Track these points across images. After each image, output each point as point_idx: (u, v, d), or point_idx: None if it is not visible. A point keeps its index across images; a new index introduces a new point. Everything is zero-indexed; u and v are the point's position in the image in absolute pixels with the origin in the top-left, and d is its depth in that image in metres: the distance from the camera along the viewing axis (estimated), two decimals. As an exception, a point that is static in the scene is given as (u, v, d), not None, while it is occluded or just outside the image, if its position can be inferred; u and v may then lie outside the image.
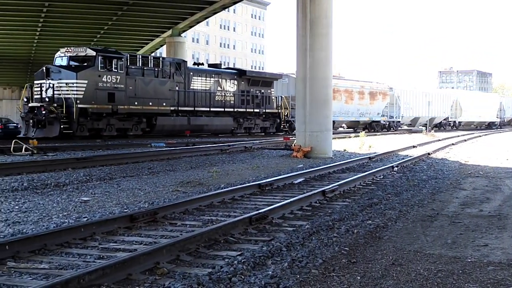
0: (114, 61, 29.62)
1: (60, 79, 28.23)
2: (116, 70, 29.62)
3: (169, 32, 49.04)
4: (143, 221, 8.20)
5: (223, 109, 37.39)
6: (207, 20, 53.73)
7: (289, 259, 6.19)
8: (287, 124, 43.06)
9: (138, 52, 54.23)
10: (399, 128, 55.99)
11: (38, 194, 11.26)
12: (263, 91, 41.07)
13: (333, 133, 25.26)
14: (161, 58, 33.71)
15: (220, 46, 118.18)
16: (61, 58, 29.48)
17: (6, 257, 6.07)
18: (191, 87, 35.09)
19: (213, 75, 37.36)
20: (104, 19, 45.01)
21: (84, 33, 49.78)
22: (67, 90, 27.82)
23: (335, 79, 55.16)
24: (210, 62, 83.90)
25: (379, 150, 24.28)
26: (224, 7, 45.24)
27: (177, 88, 33.75)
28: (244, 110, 39.24)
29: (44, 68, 28.88)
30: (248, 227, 7.93)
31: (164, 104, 32.63)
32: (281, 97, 42.79)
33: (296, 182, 13.46)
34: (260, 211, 8.62)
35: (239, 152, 23.87)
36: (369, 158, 20.35)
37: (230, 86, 38.42)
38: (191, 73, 35.39)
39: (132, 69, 30.70)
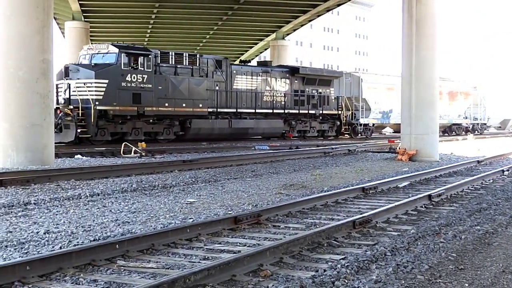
0: (140, 59, 27.30)
1: (78, 79, 26.08)
2: (142, 69, 27.29)
3: (273, 35, 49.36)
4: (247, 223, 8.28)
5: (271, 111, 34.38)
6: (311, 23, 53.66)
7: (394, 264, 6.07)
8: (351, 127, 39.92)
9: (242, 57, 54.93)
10: (484, 131, 51.86)
11: (146, 195, 11.61)
12: (320, 90, 37.71)
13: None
14: (198, 56, 30.90)
15: (324, 49, 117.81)
16: (84, 56, 27.50)
17: (116, 256, 6.28)
18: (234, 87, 32.32)
19: (260, 74, 34.31)
20: (210, 24, 45.89)
21: (190, 38, 50.94)
22: (85, 91, 25.60)
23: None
24: (314, 65, 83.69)
25: (488, 153, 23.43)
26: (328, 10, 45.05)
27: (217, 88, 31.09)
28: (297, 111, 35.90)
29: (63, 67, 27.05)
30: (351, 230, 7.85)
31: (201, 105, 29.95)
32: (342, 97, 39.40)
33: (401, 185, 13.20)
34: (364, 214, 8.52)
35: (342, 155, 23.70)
36: (478, 161, 19.69)
37: (281, 85, 35.33)
38: (234, 72, 32.64)
39: (163, 67, 28.43)
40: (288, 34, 50.74)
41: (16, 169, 15.31)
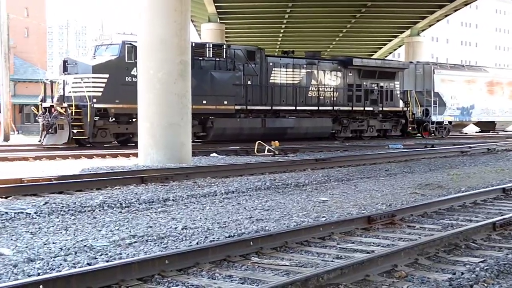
0: None
1: (76, 74, 23.79)
2: None
3: (408, 32, 48.32)
4: (381, 223, 8.15)
5: (317, 108, 30.39)
6: (447, 18, 52.11)
7: (538, 269, 5.75)
8: (422, 126, 35.89)
9: (374, 55, 54.12)
10: None
11: (279, 194, 11.71)
12: (382, 84, 33.22)
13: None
14: (224, 46, 28.02)
15: (461, 44, 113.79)
16: (91, 49, 25.30)
17: (251, 253, 6.38)
18: (270, 81, 28.81)
19: (305, 66, 30.35)
20: (342, 23, 45.67)
21: (322, 38, 50.92)
22: (81, 87, 23.29)
23: (496, 69, 45.78)
24: (451, 61, 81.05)
25: None
26: (467, 4, 43.44)
27: (249, 82, 27.82)
28: (350, 108, 31.76)
29: (61, 61, 25.07)
30: (491, 233, 7.51)
31: (226, 102, 26.67)
32: (410, 91, 35.16)
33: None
34: (505, 216, 8.13)
35: (481, 154, 22.77)
36: None
37: (330, 79, 31.30)
38: (271, 64, 29.00)
39: None
40: (423, 30, 49.53)
41: (156, 167, 15.97)
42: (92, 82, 23.33)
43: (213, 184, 12.70)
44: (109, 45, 24.24)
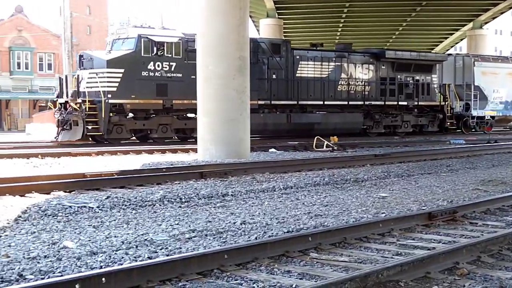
0: (166, 44, 23.82)
1: (91, 69, 23.34)
2: (169, 55, 23.85)
3: (470, 25, 47.28)
4: (442, 219, 8.01)
5: (346, 102, 29.14)
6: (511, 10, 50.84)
7: None
8: (462, 121, 34.03)
9: (435, 50, 53.18)
10: None
11: (338, 189, 11.65)
12: (418, 77, 31.78)
13: None
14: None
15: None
16: (109, 44, 24.73)
17: (309, 248, 6.36)
18: (297, 75, 27.68)
19: (334, 59, 29.21)
20: (402, 16, 45.06)
21: (380, 33, 50.36)
22: (96, 82, 22.84)
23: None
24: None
25: None
26: (532, -5, 42.30)
27: (274, 76, 26.78)
28: (383, 103, 30.37)
29: (78, 56, 24.70)
30: (557, 230, 7.30)
31: None
32: (449, 85, 33.43)
33: None
34: None
35: (547, 149, 22.13)
36: None
37: (362, 72, 29.99)
38: (297, 57, 27.89)
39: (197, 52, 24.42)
40: (486, 23, 48.38)
41: (215, 162, 16.09)
42: (107, 77, 22.90)
43: (271, 180, 12.71)
44: (126, 39, 23.71)
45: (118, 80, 22.97)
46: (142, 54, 23.35)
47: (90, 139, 23.79)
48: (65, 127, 23.37)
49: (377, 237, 7.07)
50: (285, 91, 27.20)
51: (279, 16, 42.99)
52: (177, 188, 11.13)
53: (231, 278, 5.34)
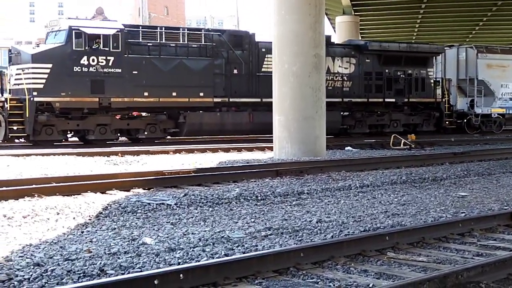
0: (102, 37, 21.36)
1: (18, 64, 21.09)
2: (106, 49, 21.39)
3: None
4: (525, 220, 7.74)
5: None
6: None
7: None
8: (465, 119, 30.23)
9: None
10: None
11: (416, 188, 11.45)
12: (410, 71, 28.42)
13: None
14: (203, 31, 24.24)
15: None
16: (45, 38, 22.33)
17: (386, 248, 6.28)
18: (262, 69, 24.49)
19: None
20: (483, 11, 43.75)
21: (459, 29, 49.11)
22: (21, 79, 20.66)
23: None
24: None
25: None
26: None
27: (235, 72, 24.11)
28: (365, 100, 27.04)
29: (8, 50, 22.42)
30: None
31: (202, 94, 23.14)
32: (447, 79, 29.84)
33: None
34: None
35: None
36: None
37: (342, 66, 26.78)
38: (263, 50, 24.56)
39: (140, 47, 22.31)
40: None
41: (290, 160, 16.10)
42: (32, 73, 20.59)
43: (347, 178, 12.62)
44: (58, 31, 21.44)
45: (45, 76, 20.59)
46: (74, 48, 20.93)
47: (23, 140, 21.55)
48: None
49: (457, 237, 6.92)
50: (247, 88, 24.41)
51: (355, 13, 42.56)
52: (253, 186, 11.19)
53: (307, 277, 5.34)
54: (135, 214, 8.49)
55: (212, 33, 24.22)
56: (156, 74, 22.29)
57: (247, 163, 15.56)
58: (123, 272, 5.33)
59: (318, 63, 17.57)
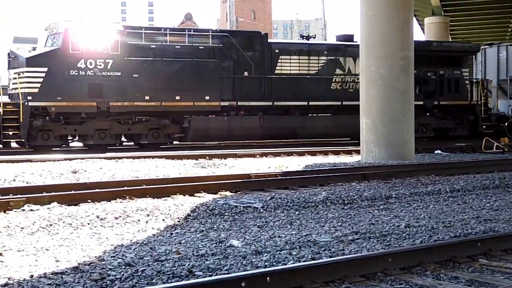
0: (100, 38, 20.83)
1: (15, 68, 20.81)
2: (106, 51, 20.83)
3: None
4: None
5: (339, 103, 24.53)
6: None
7: None
8: (505, 125, 26.67)
9: None
10: None
11: (510, 193, 11.08)
12: (442, 72, 26.48)
13: None
14: (210, 32, 23.07)
15: None
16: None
17: (478, 254, 6.10)
18: (276, 71, 23.78)
19: (325, 52, 24.85)
20: None
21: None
22: (16, 83, 20.48)
23: None
24: None
25: None
26: None
27: (245, 74, 23.12)
28: None
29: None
30: None
31: (208, 97, 22.35)
32: (488, 80, 27.60)
33: None
34: None
35: None
36: None
37: None
38: (276, 51, 23.86)
39: (141, 48, 21.51)
40: None
41: (378, 164, 15.91)
42: (26, 77, 20.26)
43: (437, 182, 12.35)
44: (56, 34, 21.00)
45: (40, 80, 20.22)
46: (70, 51, 20.42)
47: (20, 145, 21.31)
48: None
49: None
50: (258, 91, 23.45)
51: (445, 14, 41.60)
52: (339, 189, 11.12)
53: (395, 282, 5.25)
54: (222, 216, 8.60)
55: (219, 33, 23.33)
56: (158, 77, 21.76)
57: (334, 166, 15.48)
58: (210, 273, 5.41)
59: (406, 65, 17.29)
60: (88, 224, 7.91)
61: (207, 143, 23.83)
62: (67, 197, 9.55)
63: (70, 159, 16.37)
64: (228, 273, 5.33)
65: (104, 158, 16.90)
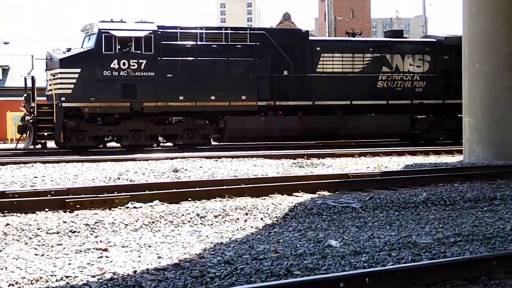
0: (133, 39, 20.68)
1: (51, 70, 21.08)
2: (138, 51, 20.73)
3: None
4: None
5: (385, 102, 23.64)
6: None
7: None
8: None
9: None
10: None
11: None
12: None
13: None
14: (248, 30, 22.83)
15: None
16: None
17: None
18: (317, 70, 23.08)
19: (370, 50, 23.96)
20: None
21: None
22: (51, 84, 20.78)
23: None
24: None
25: None
26: None
27: (285, 72, 22.40)
28: (441, 101, 24.06)
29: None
30: None
31: (244, 97, 21.90)
32: None
33: None
34: None
35: None
36: None
37: (414, 64, 24.16)
38: (318, 49, 23.17)
39: (175, 48, 21.28)
40: None
41: (481, 164, 15.40)
42: (60, 78, 20.49)
43: (545, 183, 11.80)
44: (91, 35, 21.19)
45: (74, 81, 20.42)
46: (104, 52, 20.56)
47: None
48: (22, 134, 21.13)
49: None
50: (299, 90, 22.75)
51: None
52: (441, 190, 10.84)
53: (500, 287, 5.07)
54: (320, 216, 8.58)
55: (257, 32, 22.86)
56: (193, 77, 21.48)
57: (435, 166, 15.11)
58: (309, 273, 5.40)
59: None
60: (189, 222, 8.09)
61: (306, 142, 23.72)
62: (168, 195, 9.79)
63: (171, 158, 16.84)
64: (326, 273, 5.31)
65: (204, 157, 17.25)
